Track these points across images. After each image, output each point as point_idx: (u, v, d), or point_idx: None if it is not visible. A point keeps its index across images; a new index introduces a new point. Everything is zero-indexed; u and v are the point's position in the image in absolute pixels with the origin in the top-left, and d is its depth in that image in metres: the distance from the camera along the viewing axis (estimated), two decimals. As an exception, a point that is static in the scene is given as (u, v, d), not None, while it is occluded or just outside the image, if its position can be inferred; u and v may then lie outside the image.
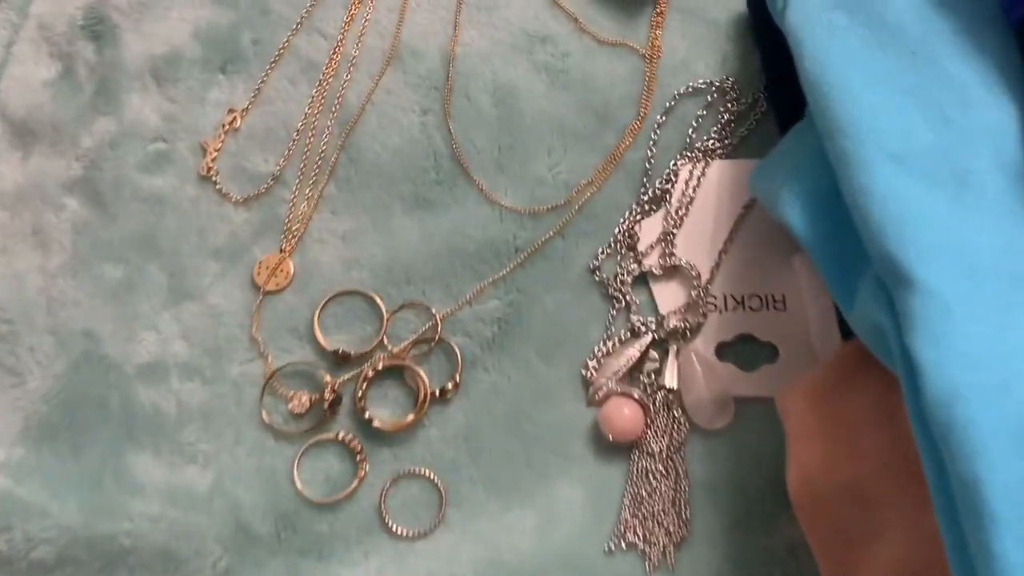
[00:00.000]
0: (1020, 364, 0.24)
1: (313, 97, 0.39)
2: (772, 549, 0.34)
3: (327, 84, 0.39)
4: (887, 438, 0.28)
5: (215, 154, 0.38)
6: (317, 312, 0.36)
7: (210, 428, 0.35)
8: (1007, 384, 0.24)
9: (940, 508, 0.24)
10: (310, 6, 0.40)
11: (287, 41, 0.39)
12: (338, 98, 0.39)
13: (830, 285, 0.31)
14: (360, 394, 0.35)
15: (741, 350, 0.36)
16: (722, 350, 0.37)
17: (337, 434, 0.35)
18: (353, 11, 0.40)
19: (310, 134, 0.38)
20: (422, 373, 0.35)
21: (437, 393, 0.35)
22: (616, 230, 0.38)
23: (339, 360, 0.35)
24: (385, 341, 0.36)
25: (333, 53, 0.39)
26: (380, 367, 0.35)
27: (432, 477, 0.34)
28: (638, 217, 0.38)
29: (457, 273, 0.37)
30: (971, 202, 0.27)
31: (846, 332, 0.34)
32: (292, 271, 0.37)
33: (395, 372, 0.36)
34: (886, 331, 0.27)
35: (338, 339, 0.36)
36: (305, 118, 0.38)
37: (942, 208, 0.27)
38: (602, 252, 0.38)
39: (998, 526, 0.22)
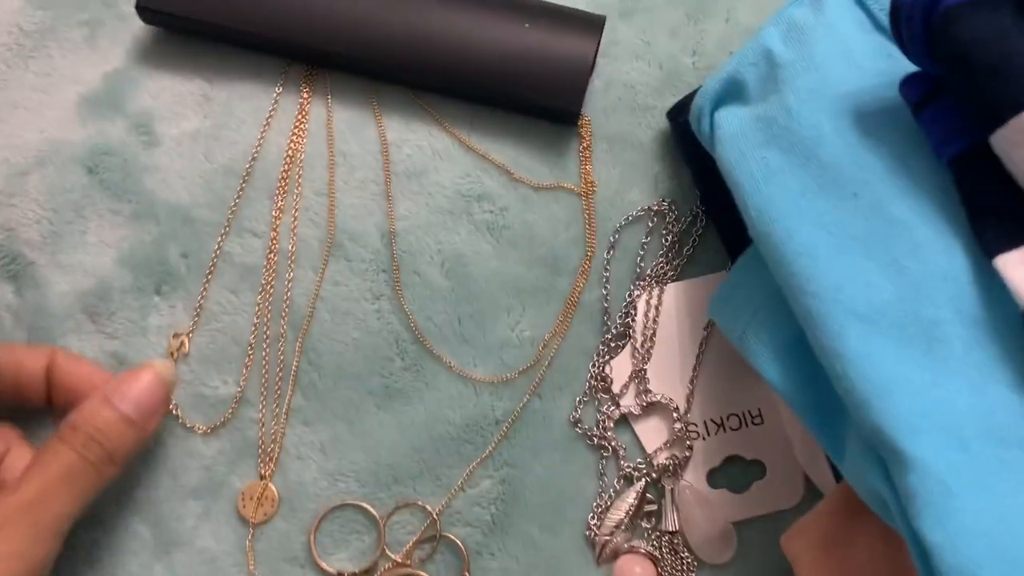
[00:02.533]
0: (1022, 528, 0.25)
1: (259, 304, 0.37)
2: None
3: (270, 287, 0.38)
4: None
5: (169, 384, 0.37)
6: (312, 535, 0.35)
7: None
8: (1015, 551, 0.25)
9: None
10: (233, 205, 0.38)
11: (218, 248, 0.38)
12: (285, 300, 0.38)
13: (814, 433, 0.32)
14: (375, 614, 0.34)
15: (730, 472, 0.37)
16: (712, 475, 0.37)
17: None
18: (280, 203, 0.38)
19: (264, 345, 0.37)
20: (431, 576, 0.35)
21: (450, 592, 0.35)
22: (588, 375, 0.38)
23: (345, 581, 0.35)
24: (386, 550, 0.36)
25: (269, 252, 0.38)
26: (388, 581, 0.35)
27: None
28: (606, 358, 0.38)
29: (444, 461, 0.37)
30: (943, 358, 0.28)
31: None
32: (277, 496, 0.36)
33: (404, 580, 0.35)
34: (887, 501, 0.28)
35: (338, 558, 0.35)
36: (255, 328, 0.37)
37: (917, 369, 0.28)
38: (579, 402, 0.38)
39: None
